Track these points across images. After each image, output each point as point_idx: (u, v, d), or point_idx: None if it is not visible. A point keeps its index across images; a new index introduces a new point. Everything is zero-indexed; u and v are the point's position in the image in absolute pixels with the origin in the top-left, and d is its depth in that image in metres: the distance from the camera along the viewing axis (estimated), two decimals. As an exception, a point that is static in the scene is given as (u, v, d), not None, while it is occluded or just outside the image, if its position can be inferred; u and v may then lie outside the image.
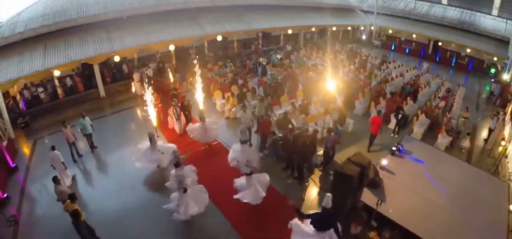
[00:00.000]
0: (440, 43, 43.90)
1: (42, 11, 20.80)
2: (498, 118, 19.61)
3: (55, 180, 11.04)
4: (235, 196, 11.55)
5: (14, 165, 14.78)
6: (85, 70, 22.33)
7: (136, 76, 21.57)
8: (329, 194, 8.92)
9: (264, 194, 11.57)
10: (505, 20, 37.01)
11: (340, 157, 14.53)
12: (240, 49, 32.03)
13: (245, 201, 11.30)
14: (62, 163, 13.16)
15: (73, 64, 20.17)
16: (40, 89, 20.13)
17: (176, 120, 17.17)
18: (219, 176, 13.54)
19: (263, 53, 31.84)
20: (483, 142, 19.74)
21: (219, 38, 27.67)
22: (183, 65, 26.12)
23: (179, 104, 17.49)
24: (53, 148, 13.03)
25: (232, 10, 29.78)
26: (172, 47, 24.44)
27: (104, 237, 10.72)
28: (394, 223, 10.72)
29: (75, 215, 9.35)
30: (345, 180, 10.55)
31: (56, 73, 19.38)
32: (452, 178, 13.87)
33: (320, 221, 8.83)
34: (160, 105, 18.39)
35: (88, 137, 15.46)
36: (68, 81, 21.35)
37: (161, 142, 14.35)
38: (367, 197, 11.51)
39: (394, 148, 14.62)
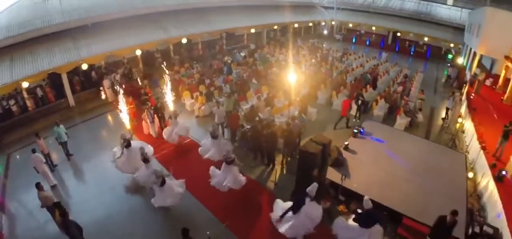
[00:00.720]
0: (399, 34, 46.57)
1: (7, 23, 20.64)
2: (454, 98, 21.12)
3: (38, 186, 11.21)
4: (212, 183, 12.50)
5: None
6: (53, 80, 22.07)
7: (106, 83, 21.74)
8: (367, 197, 9.89)
9: (244, 178, 12.65)
10: (460, 9, 40.38)
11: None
12: (205, 50, 32.81)
13: (229, 185, 12.12)
14: (45, 163, 13.76)
15: (42, 75, 20.00)
16: (12, 102, 19.82)
17: (150, 122, 17.43)
18: (197, 171, 14.15)
19: (227, 53, 32.89)
20: (441, 120, 21.45)
21: (184, 40, 28.34)
22: (149, 69, 26.73)
23: (152, 107, 17.81)
24: (33, 151, 13.39)
25: (196, 13, 30.50)
26: (138, 52, 24.90)
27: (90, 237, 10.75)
28: (359, 195, 11.80)
29: (64, 213, 9.55)
30: (308, 157, 11.60)
31: (25, 84, 19.17)
32: (411, 153, 15.51)
33: (365, 220, 9.76)
34: (133, 108, 18.73)
35: (64, 145, 15.53)
36: (39, 92, 21.10)
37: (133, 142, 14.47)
38: (333, 175, 12.84)
39: (355, 130, 16.28)
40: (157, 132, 17.53)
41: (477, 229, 10.01)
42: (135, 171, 13.05)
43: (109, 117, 20.13)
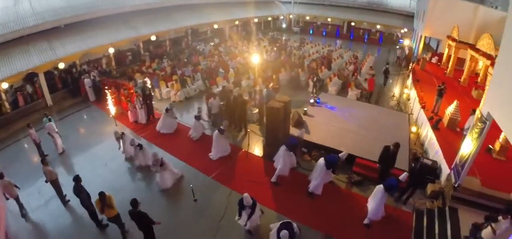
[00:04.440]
0: (353, 24, 50.15)
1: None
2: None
3: (43, 161, 12.44)
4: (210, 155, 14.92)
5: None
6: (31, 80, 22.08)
7: (87, 82, 21.98)
8: (344, 152, 12.20)
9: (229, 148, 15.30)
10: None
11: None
12: (172, 46, 34.38)
13: (219, 155, 14.82)
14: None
15: (20, 76, 20.12)
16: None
17: (139, 108, 18.18)
18: (181, 143, 16.31)
19: (193, 48, 34.72)
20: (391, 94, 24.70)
21: (153, 38, 29.76)
22: (121, 67, 28.08)
23: (141, 93, 18.57)
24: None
25: (163, 11, 31.80)
26: (111, 50, 25.81)
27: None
28: (318, 145, 14.91)
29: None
30: (273, 112, 13.79)
31: (4, 85, 19.20)
32: (361, 114, 18.51)
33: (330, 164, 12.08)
34: (117, 98, 19.50)
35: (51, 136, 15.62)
36: (29, 88, 21.55)
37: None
38: (295, 133, 15.11)
39: (312, 100, 19.21)
40: (145, 118, 18.56)
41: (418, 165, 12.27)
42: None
43: (89, 114, 20.69)
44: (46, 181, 11.84)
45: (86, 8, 24.99)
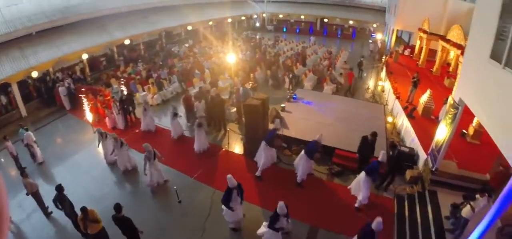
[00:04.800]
0: (326, 20, 51.04)
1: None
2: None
3: (22, 174, 11.69)
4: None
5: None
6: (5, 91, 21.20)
7: (62, 90, 21.11)
8: (318, 136, 12.29)
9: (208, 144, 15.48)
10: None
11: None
12: (146, 50, 34.00)
13: (202, 149, 15.23)
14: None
15: None
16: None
17: (117, 114, 17.93)
18: (161, 146, 15.61)
19: (167, 51, 34.37)
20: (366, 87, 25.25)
21: (127, 42, 29.39)
22: (95, 73, 27.55)
23: (118, 99, 18.61)
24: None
25: (136, 14, 31.40)
26: (85, 56, 25.27)
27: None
28: (297, 140, 15.10)
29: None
30: (252, 109, 13.92)
31: None
32: (337, 108, 18.88)
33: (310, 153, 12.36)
34: (94, 104, 19.14)
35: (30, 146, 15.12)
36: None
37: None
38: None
39: (289, 96, 19.51)
40: (123, 123, 18.23)
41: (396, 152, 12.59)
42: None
43: (65, 123, 19.98)
44: (27, 194, 11.47)
45: (59, 13, 24.33)
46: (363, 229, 8.32)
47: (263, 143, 13.08)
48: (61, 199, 10.16)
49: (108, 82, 24.04)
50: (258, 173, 13.15)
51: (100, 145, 14.50)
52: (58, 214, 11.16)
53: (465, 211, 8.72)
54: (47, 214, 11.80)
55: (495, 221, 6.69)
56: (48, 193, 11.59)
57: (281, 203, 8.62)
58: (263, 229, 9.43)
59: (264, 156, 13.02)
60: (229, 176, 9.57)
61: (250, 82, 22.54)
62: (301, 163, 12.45)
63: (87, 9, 26.51)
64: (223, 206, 9.82)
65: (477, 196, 8.62)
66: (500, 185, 6.69)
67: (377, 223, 7.85)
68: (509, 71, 6.98)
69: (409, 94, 18.82)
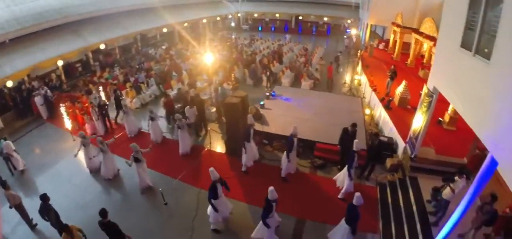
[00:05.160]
0: (301, 18, 51.83)
1: None
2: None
3: (4, 186, 11.16)
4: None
5: None
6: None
7: (38, 100, 20.03)
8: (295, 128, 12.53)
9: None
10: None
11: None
12: (122, 54, 33.61)
13: (185, 150, 15.21)
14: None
15: None
16: None
17: (96, 120, 17.67)
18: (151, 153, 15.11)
19: (143, 54, 34.15)
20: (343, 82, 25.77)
21: (102, 46, 28.94)
22: (71, 80, 26.93)
23: (96, 104, 17.77)
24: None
25: (110, 19, 30.85)
26: (60, 63, 24.76)
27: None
28: (278, 135, 15.34)
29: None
30: (231, 107, 14.03)
31: None
32: (316, 102, 19.20)
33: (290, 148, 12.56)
34: (73, 112, 18.68)
35: (7, 158, 14.58)
36: None
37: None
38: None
39: (267, 93, 19.70)
40: (103, 128, 17.98)
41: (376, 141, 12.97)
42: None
43: (44, 133, 19.06)
44: (10, 207, 10.98)
45: (31, 19, 23.50)
46: (347, 209, 8.82)
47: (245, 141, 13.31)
48: (47, 208, 9.91)
49: (89, 89, 22.73)
50: (244, 168, 13.45)
51: (80, 152, 14.01)
52: (44, 226, 10.83)
53: (446, 192, 9.13)
54: (32, 226, 11.31)
55: (474, 199, 7.10)
56: (31, 205, 11.34)
57: (271, 188, 8.84)
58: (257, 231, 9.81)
59: (245, 152, 13.23)
60: (211, 168, 9.71)
61: (230, 82, 22.69)
62: (284, 158, 12.77)
63: (59, 14, 25.72)
64: (209, 206, 9.94)
65: (456, 177, 9.03)
66: (477, 167, 7.02)
67: (356, 197, 8.54)
68: (479, 59, 7.37)
69: (387, 85, 19.33)
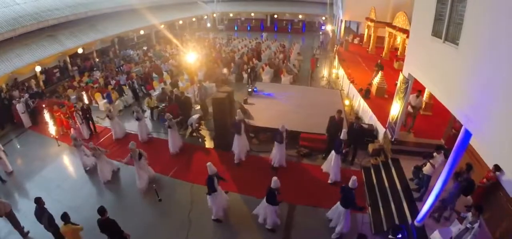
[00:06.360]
0: (276, 16, 52.62)
1: None
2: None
3: None
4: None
5: None
6: None
7: (19, 108, 19.46)
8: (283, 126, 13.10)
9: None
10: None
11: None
12: (100, 57, 33.48)
13: (176, 149, 15.40)
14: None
15: None
16: None
17: (80, 124, 17.47)
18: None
19: (122, 57, 34.20)
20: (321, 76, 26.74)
21: (80, 50, 28.72)
22: (50, 85, 26.63)
23: (80, 108, 17.67)
24: None
25: (86, 22, 30.56)
26: (38, 68, 24.48)
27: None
28: (263, 128, 16.04)
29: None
30: (219, 102, 14.50)
31: None
32: (297, 96, 20.14)
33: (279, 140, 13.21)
34: (60, 116, 18.27)
35: None
36: None
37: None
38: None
39: (249, 89, 20.35)
40: (88, 133, 17.88)
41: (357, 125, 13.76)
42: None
43: (27, 140, 18.53)
44: (0, 216, 10.67)
45: (7, 25, 23.02)
46: (343, 191, 9.54)
47: (235, 135, 13.88)
48: (41, 211, 9.88)
49: (81, 96, 22.04)
50: (236, 160, 14.04)
51: (71, 156, 14.34)
52: (36, 234, 10.87)
53: (426, 168, 9.98)
54: (23, 235, 11.06)
55: (453, 170, 7.88)
56: (21, 213, 11.45)
57: (274, 178, 9.57)
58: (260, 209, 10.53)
59: (237, 144, 13.85)
60: (208, 163, 10.24)
61: (216, 80, 23.42)
62: (275, 151, 13.44)
63: (34, 20, 25.16)
64: (208, 197, 10.42)
65: (435, 154, 9.95)
66: (454, 146, 7.81)
67: (352, 181, 9.30)
68: (448, 44, 8.21)
69: (373, 76, 20.06)
